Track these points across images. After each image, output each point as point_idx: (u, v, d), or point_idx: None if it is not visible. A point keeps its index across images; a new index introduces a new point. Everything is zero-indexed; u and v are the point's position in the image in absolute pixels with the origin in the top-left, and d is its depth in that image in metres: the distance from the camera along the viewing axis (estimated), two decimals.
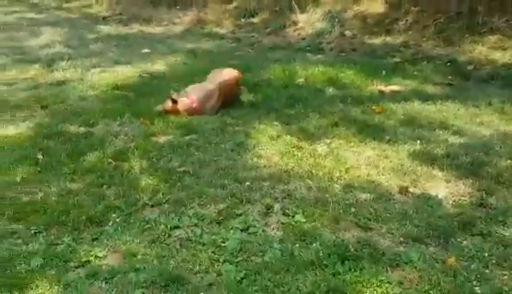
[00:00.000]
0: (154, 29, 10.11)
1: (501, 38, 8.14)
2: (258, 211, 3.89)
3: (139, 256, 3.39)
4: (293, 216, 3.81)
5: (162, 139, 5.15)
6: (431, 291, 3.04)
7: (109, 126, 5.34)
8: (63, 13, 14.09)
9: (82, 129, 5.28)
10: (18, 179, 4.33)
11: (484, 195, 4.07)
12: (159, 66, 7.49)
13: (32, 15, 14.09)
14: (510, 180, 4.29)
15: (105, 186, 4.23)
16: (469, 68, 7.59)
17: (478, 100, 6.19)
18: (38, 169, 4.50)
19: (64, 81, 6.69)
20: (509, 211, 3.85)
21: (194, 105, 5.73)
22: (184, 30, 10.32)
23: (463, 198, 4.06)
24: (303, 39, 9.55)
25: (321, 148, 4.89)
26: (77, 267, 3.31)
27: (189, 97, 5.77)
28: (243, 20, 11.00)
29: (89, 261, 3.36)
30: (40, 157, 4.67)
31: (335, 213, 3.82)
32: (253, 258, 3.36)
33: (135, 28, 10.19)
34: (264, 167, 4.57)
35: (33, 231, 3.66)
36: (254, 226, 3.70)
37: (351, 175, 4.39)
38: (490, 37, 8.24)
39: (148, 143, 5.00)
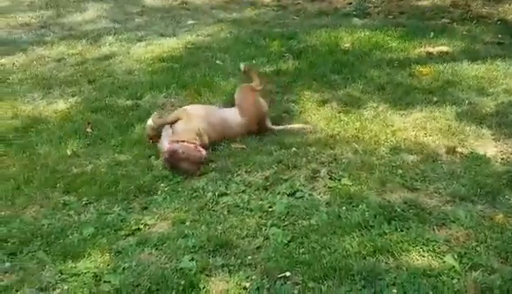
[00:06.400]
0: (197, 0, 10.08)
1: None
2: (305, 176, 3.91)
3: (187, 223, 3.47)
4: (339, 180, 3.82)
5: None
6: (478, 248, 3.03)
7: (155, 98, 5.39)
8: None
9: (129, 102, 5.35)
10: (68, 152, 4.45)
11: None
12: (203, 37, 7.48)
13: None
14: None
15: (152, 157, 4.31)
16: None
17: None
18: (88, 142, 4.61)
19: (110, 55, 6.76)
20: None
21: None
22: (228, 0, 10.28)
23: None
24: (350, 4, 9.38)
25: (368, 112, 4.85)
26: (127, 235, 3.41)
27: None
28: None
29: (139, 229, 3.45)
30: (89, 130, 4.78)
31: (382, 175, 3.81)
32: (300, 221, 3.41)
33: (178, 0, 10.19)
34: (310, 132, 4.56)
35: (84, 202, 3.79)
36: (301, 191, 3.73)
37: (398, 137, 4.36)
38: None
39: None
